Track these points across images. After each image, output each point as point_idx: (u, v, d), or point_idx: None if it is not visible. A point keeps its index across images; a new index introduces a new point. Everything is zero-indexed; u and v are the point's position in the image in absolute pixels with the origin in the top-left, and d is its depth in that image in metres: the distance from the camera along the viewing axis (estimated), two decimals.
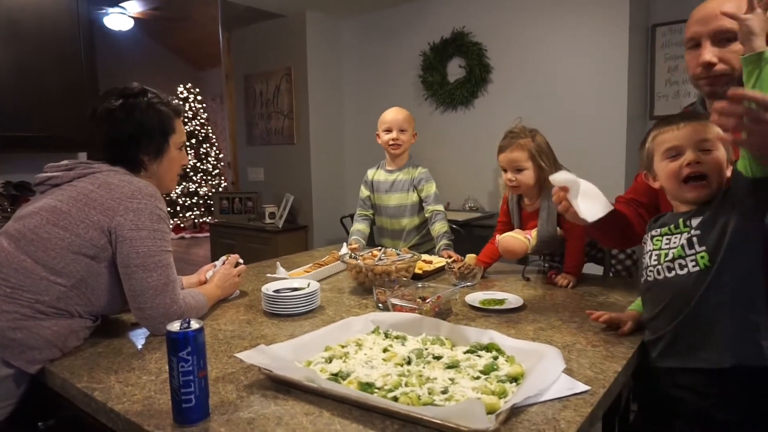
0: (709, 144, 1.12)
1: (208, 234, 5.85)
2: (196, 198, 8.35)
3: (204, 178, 8.46)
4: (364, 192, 2.55)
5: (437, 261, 2.00)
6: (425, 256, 2.02)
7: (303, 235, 4.50)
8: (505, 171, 1.79)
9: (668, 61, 3.45)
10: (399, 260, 1.69)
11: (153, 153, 1.39)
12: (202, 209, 8.45)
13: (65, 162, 1.34)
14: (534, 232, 1.75)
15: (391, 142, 2.38)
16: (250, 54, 4.81)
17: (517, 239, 1.72)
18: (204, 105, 8.46)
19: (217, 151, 8.57)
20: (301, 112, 4.45)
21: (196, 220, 8.43)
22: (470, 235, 3.25)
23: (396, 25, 4.26)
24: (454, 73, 3.96)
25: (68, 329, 1.21)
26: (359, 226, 2.49)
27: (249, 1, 4.13)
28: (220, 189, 8.37)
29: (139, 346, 1.26)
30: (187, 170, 8.09)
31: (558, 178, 1.29)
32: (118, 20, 6.42)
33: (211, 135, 8.51)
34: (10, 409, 1.16)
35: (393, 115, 2.41)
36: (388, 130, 2.39)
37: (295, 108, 4.46)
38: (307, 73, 4.35)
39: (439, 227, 2.30)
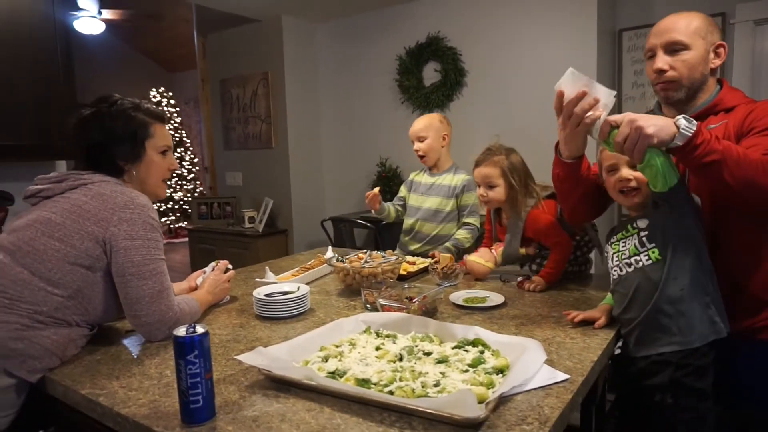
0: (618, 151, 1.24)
1: (184, 239, 5.82)
2: (171, 203, 8.27)
3: (179, 183, 8.39)
4: (403, 191, 2.62)
5: (420, 262, 2.07)
6: (409, 258, 2.09)
7: (283, 239, 4.52)
8: (479, 186, 1.86)
9: (634, 65, 3.60)
10: (385, 262, 1.76)
11: (129, 158, 1.40)
12: (178, 214, 8.38)
13: (55, 174, 1.36)
14: (500, 250, 1.86)
15: (414, 151, 2.47)
16: (226, 58, 4.81)
17: (479, 264, 1.86)
18: (177, 109, 8.38)
19: (192, 156, 8.51)
20: (278, 116, 4.48)
21: (171, 226, 8.35)
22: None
23: (372, 29, 4.33)
24: (430, 77, 4.04)
25: (67, 338, 1.24)
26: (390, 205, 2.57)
27: (224, 6, 4.13)
28: (196, 194, 8.31)
29: (137, 353, 1.30)
30: None
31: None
32: (89, 24, 6.33)
33: (185, 139, 8.43)
34: (11, 419, 1.18)
35: (414, 126, 2.47)
36: (413, 141, 2.47)
37: (273, 112, 4.49)
38: (284, 78, 4.38)
39: (459, 232, 2.36)
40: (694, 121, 1.13)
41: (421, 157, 2.46)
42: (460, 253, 2.32)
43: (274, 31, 4.38)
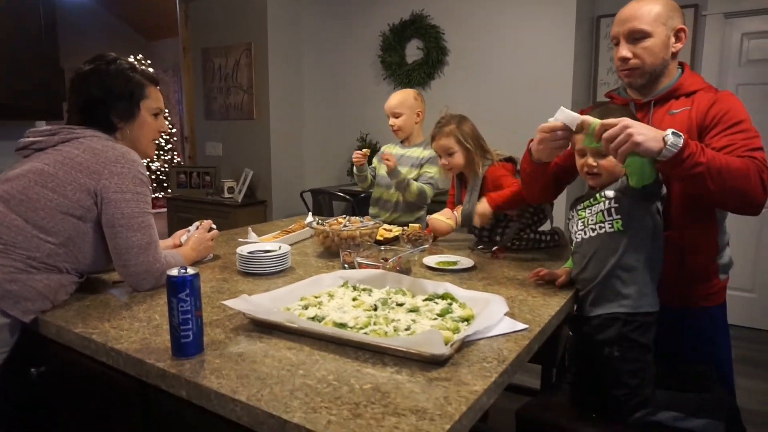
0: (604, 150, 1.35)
1: (161, 210, 5.81)
2: (148, 173, 8.18)
3: (156, 152, 8.30)
4: (374, 162, 2.71)
5: (396, 229, 2.16)
6: (385, 225, 2.18)
7: (262, 209, 4.57)
8: (440, 156, 2.03)
9: (611, 51, 3.71)
10: (363, 226, 1.84)
11: (124, 116, 1.45)
12: (154, 184, 8.30)
13: (48, 127, 1.41)
14: (459, 210, 2.01)
15: (390, 126, 2.54)
16: (209, 27, 4.78)
17: (441, 221, 1.99)
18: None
19: (170, 126, 8.41)
20: (260, 87, 4.49)
21: None
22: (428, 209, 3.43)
23: (356, 4, 4.35)
24: (413, 54, 4.10)
25: (58, 283, 1.30)
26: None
27: None
28: (174, 164, 8.24)
29: (125, 300, 1.36)
30: None
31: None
32: None
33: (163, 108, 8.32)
34: (4, 357, 1.24)
35: (390, 101, 2.54)
36: (388, 116, 2.54)
37: (255, 83, 4.49)
38: (267, 50, 4.38)
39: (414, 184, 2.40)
40: (682, 135, 1.20)
41: (396, 131, 2.55)
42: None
43: (259, 2, 4.37)
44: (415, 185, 2.38)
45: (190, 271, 1.01)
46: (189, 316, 1.00)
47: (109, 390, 1.11)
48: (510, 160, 2.00)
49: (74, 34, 6.70)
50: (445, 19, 3.93)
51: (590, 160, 1.41)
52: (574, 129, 1.34)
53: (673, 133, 1.20)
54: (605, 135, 1.22)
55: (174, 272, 1.00)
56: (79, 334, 1.14)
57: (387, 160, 2.32)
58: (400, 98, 2.53)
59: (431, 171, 2.47)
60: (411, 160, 2.53)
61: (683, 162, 1.21)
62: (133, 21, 8.10)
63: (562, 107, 1.38)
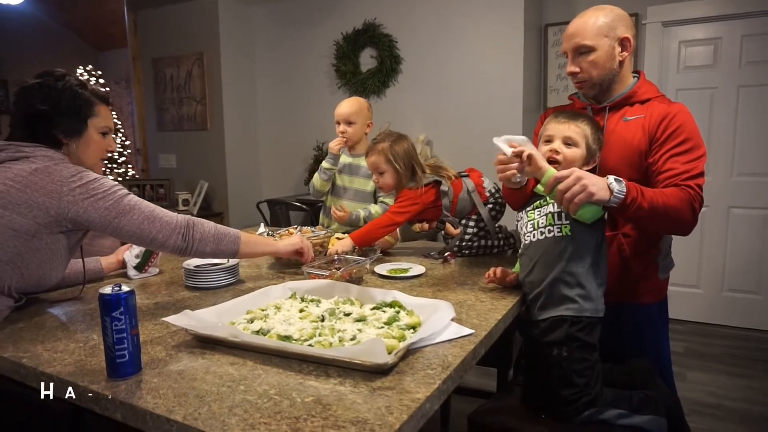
0: (572, 141, 1.43)
1: None
2: None
3: (109, 166, 8.05)
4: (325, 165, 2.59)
5: None
6: (338, 234, 2.17)
7: (218, 221, 4.46)
8: (372, 173, 2.01)
9: (559, 58, 3.82)
10: (314, 236, 1.83)
11: (69, 132, 1.40)
12: None
13: None
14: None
15: (338, 134, 2.46)
16: (160, 37, 4.68)
17: (384, 239, 1.98)
18: (107, 89, 8.01)
19: (123, 138, 8.18)
20: (214, 98, 4.42)
21: None
22: None
23: (309, 13, 4.34)
24: (367, 63, 4.12)
25: None
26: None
27: None
28: (128, 177, 8.01)
29: (63, 320, 1.31)
30: None
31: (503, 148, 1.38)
32: None
33: (116, 120, 8.09)
34: None
35: (341, 108, 2.47)
36: (338, 123, 2.47)
37: (208, 94, 4.42)
38: (220, 59, 4.33)
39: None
40: (623, 181, 1.29)
41: (344, 137, 2.46)
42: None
43: (210, 11, 4.31)
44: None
45: (125, 288, 0.98)
46: (124, 335, 0.97)
47: (40, 417, 1.06)
48: (436, 182, 1.92)
49: (17, 45, 6.45)
50: (397, 27, 3.97)
51: (555, 144, 1.44)
52: (510, 153, 1.35)
53: (615, 180, 1.28)
54: (560, 187, 1.26)
55: (107, 290, 0.97)
56: (8, 359, 1.09)
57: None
58: (355, 107, 2.48)
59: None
60: (365, 170, 2.47)
61: (627, 208, 1.30)
62: (81, 30, 7.86)
63: (494, 139, 1.39)
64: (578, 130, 1.43)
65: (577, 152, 1.43)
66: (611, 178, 1.28)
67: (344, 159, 2.55)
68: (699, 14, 3.38)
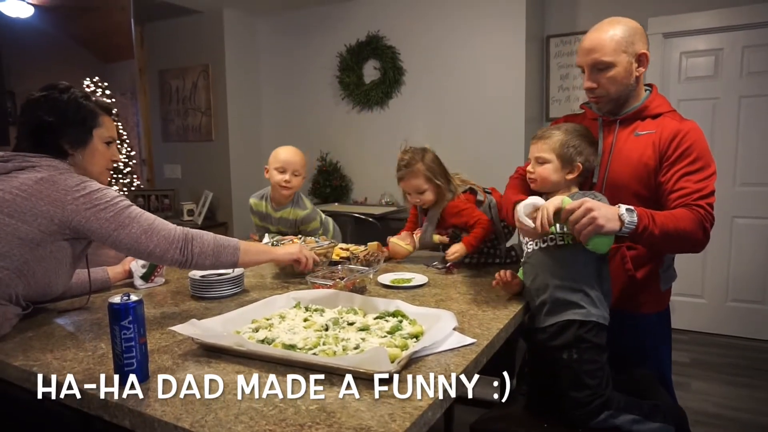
0: (542, 159, 1.51)
1: None
2: None
3: (114, 176, 8.11)
4: (257, 221, 2.51)
5: (353, 248, 2.17)
6: (342, 245, 2.19)
7: (223, 231, 4.51)
8: (410, 194, 1.97)
9: (561, 69, 3.86)
10: (318, 246, 1.85)
11: (75, 143, 1.43)
12: None
13: (0, 153, 1.38)
14: (419, 234, 2.03)
15: (283, 183, 2.27)
16: (165, 49, 4.75)
17: (400, 246, 2.01)
18: (113, 100, 8.07)
19: (129, 149, 8.24)
20: (219, 109, 4.47)
21: None
22: (387, 227, 3.46)
23: (313, 25, 4.40)
24: (370, 74, 4.16)
25: (2, 317, 1.27)
26: None
27: None
28: (133, 188, 8.06)
29: (71, 330, 1.33)
30: None
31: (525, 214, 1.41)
32: (16, 7, 6.03)
33: (121, 131, 8.14)
34: None
35: (290, 156, 2.31)
36: (282, 171, 2.28)
37: (213, 105, 4.47)
38: (225, 71, 4.38)
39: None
40: (634, 211, 1.30)
41: (286, 189, 2.31)
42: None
43: (215, 23, 4.37)
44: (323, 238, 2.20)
45: (133, 297, 1.00)
46: (132, 343, 0.99)
47: (51, 424, 1.08)
48: (471, 191, 1.97)
49: (25, 56, 6.53)
50: (400, 39, 4.02)
51: (530, 167, 1.54)
52: (532, 227, 1.38)
53: (627, 210, 1.29)
54: (570, 219, 1.29)
55: (116, 299, 0.99)
56: (18, 367, 1.11)
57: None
58: (301, 159, 2.33)
59: (316, 224, 2.36)
60: (290, 223, 2.37)
61: (641, 236, 1.32)
62: (88, 42, 7.95)
63: (517, 208, 1.42)
64: (545, 146, 1.50)
65: (548, 167, 1.49)
66: (623, 207, 1.29)
67: (270, 211, 2.41)
68: (700, 26, 3.41)
